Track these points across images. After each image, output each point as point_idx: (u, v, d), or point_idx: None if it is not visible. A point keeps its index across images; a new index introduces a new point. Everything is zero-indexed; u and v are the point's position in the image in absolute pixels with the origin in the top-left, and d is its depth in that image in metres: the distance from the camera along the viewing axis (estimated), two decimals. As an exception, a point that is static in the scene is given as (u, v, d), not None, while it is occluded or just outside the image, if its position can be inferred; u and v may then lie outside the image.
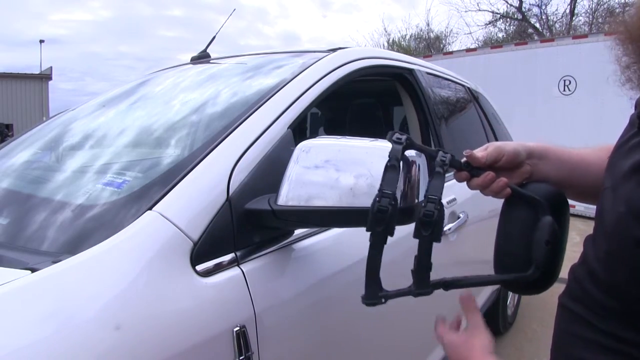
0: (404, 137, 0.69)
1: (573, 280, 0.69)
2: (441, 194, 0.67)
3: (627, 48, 0.59)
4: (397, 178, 0.67)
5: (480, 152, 0.75)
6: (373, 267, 0.69)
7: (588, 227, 0.70)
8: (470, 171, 0.74)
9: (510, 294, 2.79)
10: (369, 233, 0.71)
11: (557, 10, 24.48)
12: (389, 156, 0.67)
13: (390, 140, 0.69)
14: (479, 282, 0.77)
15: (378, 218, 0.66)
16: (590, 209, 4.67)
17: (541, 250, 0.68)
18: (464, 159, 0.75)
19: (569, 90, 6.21)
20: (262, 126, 1.01)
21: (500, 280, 0.76)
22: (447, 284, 0.74)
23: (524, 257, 0.69)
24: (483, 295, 2.24)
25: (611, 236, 0.57)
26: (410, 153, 0.73)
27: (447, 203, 1.66)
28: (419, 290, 0.72)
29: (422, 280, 0.71)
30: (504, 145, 0.75)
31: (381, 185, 0.66)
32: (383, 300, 0.72)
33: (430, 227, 0.65)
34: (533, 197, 0.71)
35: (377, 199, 0.66)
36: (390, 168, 0.67)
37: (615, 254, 0.57)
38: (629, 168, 0.57)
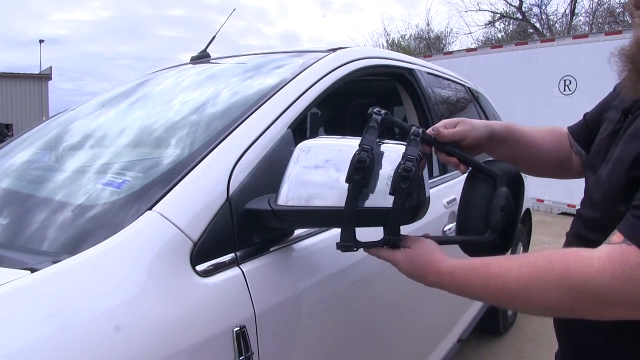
0: (383, 111, 0.82)
1: (572, 235, 0.83)
2: (416, 155, 0.76)
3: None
4: (375, 138, 0.78)
5: (447, 130, 0.88)
6: (350, 214, 0.78)
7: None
8: (437, 145, 0.88)
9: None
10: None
11: (557, 10, 24.53)
12: (370, 122, 0.80)
13: (371, 112, 0.81)
14: (443, 241, 0.86)
15: (358, 168, 0.75)
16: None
17: (497, 215, 0.78)
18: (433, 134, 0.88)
19: (569, 90, 6.21)
20: (262, 126, 1.01)
21: (460, 241, 0.84)
22: None
23: (482, 222, 0.80)
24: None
25: (605, 181, 0.74)
26: (415, 152, 0.78)
27: (447, 203, 1.66)
28: (389, 237, 0.80)
29: (394, 229, 0.79)
30: (471, 131, 0.89)
31: (362, 141, 0.77)
32: (355, 249, 0.81)
33: (362, 172, 0.75)
34: (491, 171, 0.82)
35: (358, 152, 0.76)
36: (371, 129, 0.79)
37: (609, 192, 0.73)
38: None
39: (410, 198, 0.76)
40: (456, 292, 0.76)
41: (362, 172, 0.75)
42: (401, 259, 0.80)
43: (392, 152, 0.78)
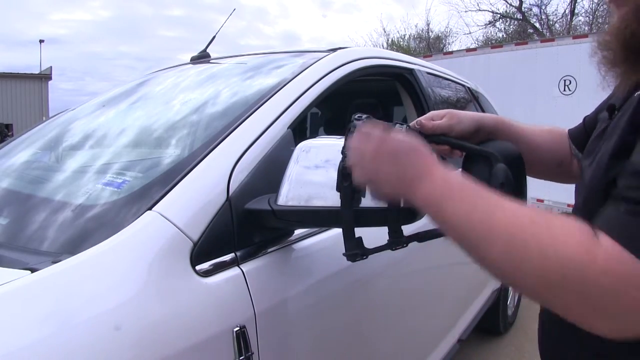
0: (364, 116, 0.79)
1: None
2: None
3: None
4: None
5: (431, 122, 0.84)
6: (347, 223, 0.77)
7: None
8: (425, 137, 0.85)
9: (511, 293, 2.79)
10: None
11: (556, 10, 24.54)
12: (351, 128, 0.77)
13: (352, 118, 0.79)
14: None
15: (345, 174, 0.73)
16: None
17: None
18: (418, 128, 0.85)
19: (569, 90, 6.20)
20: (262, 126, 1.01)
21: None
22: (421, 237, 0.82)
23: None
24: (483, 295, 2.24)
25: (587, 186, 0.68)
26: None
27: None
28: (393, 239, 0.78)
29: (396, 233, 0.77)
30: (456, 124, 0.85)
31: (344, 148, 0.75)
32: (364, 257, 0.80)
33: (350, 178, 0.73)
34: (485, 151, 0.79)
35: (342, 159, 0.74)
36: (351, 134, 0.76)
37: (588, 198, 0.66)
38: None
39: None
40: (443, 213, 0.60)
41: (349, 178, 0.74)
42: (389, 138, 0.64)
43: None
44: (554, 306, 0.55)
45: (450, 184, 0.60)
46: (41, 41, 25.13)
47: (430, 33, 19.98)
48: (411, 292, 1.41)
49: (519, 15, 17.40)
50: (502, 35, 17.81)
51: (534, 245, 0.52)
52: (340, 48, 1.42)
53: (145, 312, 0.70)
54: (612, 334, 0.52)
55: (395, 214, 0.75)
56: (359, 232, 0.80)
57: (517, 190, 0.78)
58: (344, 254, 0.80)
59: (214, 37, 1.86)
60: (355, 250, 0.79)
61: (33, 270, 0.69)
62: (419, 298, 1.49)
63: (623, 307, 0.50)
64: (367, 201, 0.77)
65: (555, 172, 0.99)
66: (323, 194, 0.80)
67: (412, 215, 0.78)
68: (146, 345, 0.68)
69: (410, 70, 1.79)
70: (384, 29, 27.34)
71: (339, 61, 1.32)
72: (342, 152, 0.75)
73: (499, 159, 0.77)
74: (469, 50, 7.92)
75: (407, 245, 0.80)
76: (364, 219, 0.78)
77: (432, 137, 0.86)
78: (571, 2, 16.22)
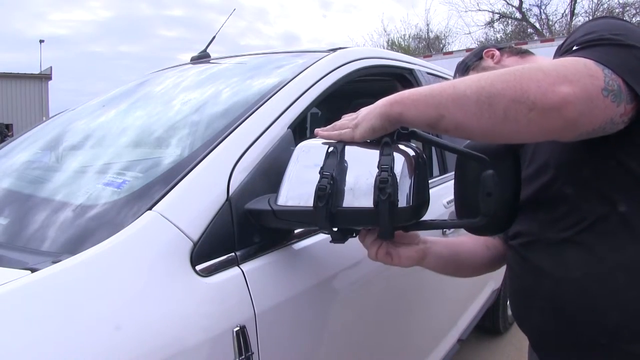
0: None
1: None
2: (391, 162, 0.74)
3: None
4: (335, 163, 0.77)
5: None
6: (326, 228, 0.79)
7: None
8: (416, 138, 0.83)
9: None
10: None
11: (556, 10, 24.56)
12: (330, 147, 0.78)
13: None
14: (435, 226, 0.85)
15: (320, 195, 0.74)
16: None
17: (484, 201, 0.75)
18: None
19: (569, 90, 6.20)
20: (262, 126, 1.01)
21: (453, 225, 0.85)
22: (407, 228, 0.85)
23: (475, 206, 0.77)
24: (483, 295, 2.24)
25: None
26: (401, 157, 0.77)
27: (447, 203, 1.66)
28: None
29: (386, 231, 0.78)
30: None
31: (322, 167, 0.76)
32: (354, 235, 0.86)
33: (325, 199, 0.74)
34: (475, 154, 0.79)
35: (319, 179, 0.75)
36: (331, 154, 0.77)
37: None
38: None
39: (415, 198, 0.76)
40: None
41: (324, 199, 0.74)
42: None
43: (362, 158, 0.78)
44: (529, 92, 0.63)
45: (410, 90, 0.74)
46: (41, 41, 25.13)
47: (430, 33, 19.99)
48: (411, 292, 1.41)
49: (518, 15, 17.41)
50: (501, 36, 17.80)
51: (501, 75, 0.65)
52: (340, 48, 1.42)
53: (145, 312, 0.70)
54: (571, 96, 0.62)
55: (387, 213, 0.73)
56: None
57: (510, 191, 0.79)
58: (330, 242, 0.85)
59: (214, 37, 1.86)
60: (342, 236, 0.84)
61: (33, 270, 0.69)
62: (418, 298, 1.49)
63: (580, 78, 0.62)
64: (355, 201, 0.76)
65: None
66: None
67: (415, 214, 0.78)
68: (146, 345, 0.68)
69: (410, 70, 1.79)
70: (384, 29, 27.36)
71: (339, 61, 1.32)
72: (320, 173, 0.76)
73: (488, 165, 0.76)
74: (468, 50, 7.91)
75: (392, 236, 0.82)
76: (353, 219, 0.78)
77: (425, 140, 0.85)
78: (571, 2, 16.25)
